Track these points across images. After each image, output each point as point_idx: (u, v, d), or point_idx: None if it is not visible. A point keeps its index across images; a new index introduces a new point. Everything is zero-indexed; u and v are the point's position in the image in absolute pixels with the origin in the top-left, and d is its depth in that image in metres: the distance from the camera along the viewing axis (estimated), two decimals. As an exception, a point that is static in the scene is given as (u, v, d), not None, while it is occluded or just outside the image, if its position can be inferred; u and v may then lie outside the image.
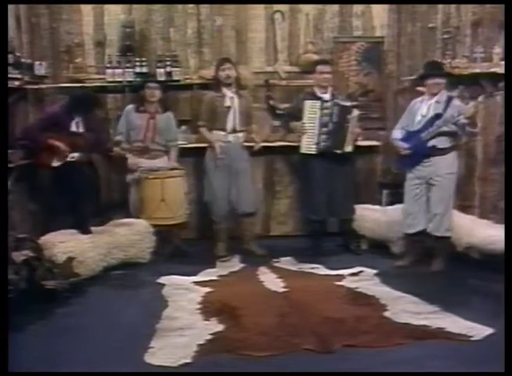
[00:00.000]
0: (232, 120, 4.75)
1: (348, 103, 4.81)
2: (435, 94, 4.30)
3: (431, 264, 4.40)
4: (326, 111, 4.70)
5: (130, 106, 4.92)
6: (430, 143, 4.28)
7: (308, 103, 4.73)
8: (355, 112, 4.75)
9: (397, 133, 4.52)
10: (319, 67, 4.79)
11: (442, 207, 4.32)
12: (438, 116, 4.25)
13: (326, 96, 4.78)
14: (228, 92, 4.75)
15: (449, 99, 4.28)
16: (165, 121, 4.90)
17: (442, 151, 4.29)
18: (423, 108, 4.34)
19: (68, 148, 4.48)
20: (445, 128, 4.24)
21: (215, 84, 4.82)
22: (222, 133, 4.77)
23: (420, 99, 4.45)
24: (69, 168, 4.48)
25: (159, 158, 4.91)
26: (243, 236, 5.02)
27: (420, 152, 4.32)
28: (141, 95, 4.86)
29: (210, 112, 4.79)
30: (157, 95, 4.83)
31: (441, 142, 4.29)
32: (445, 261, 4.39)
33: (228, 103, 4.73)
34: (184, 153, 5.13)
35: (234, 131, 4.77)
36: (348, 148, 4.75)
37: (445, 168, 4.30)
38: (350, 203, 4.96)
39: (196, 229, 5.44)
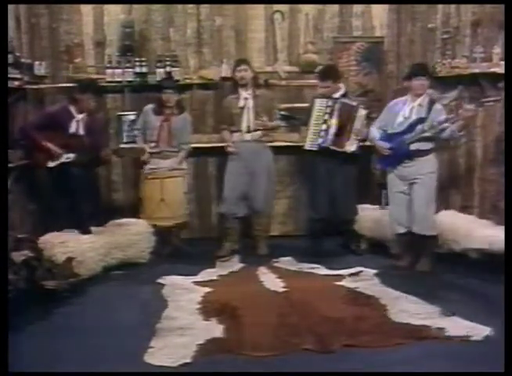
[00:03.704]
0: (246, 120, 4.77)
1: (355, 103, 4.76)
2: (419, 95, 4.31)
3: (418, 264, 4.40)
4: (329, 109, 4.71)
5: (149, 106, 4.91)
6: (413, 146, 4.29)
7: (317, 101, 4.76)
8: (362, 111, 4.71)
9: (375, 132, 4.52)
10: (319, 82, 4.78)
11: (425, 207, 4.32)
12: (421, 120, 4.26)
13: (336, 95, 4.77)
14: (244, 93, 4.77)
15: (431, 103, 4.30)
16: (181, 123, 4.90)
17: (424, 152, 4.30)
18: (405, 110, 4.35)
19: (62, 149, 4.48)
20: (427, 133, 4.24)
21: (232, 85, 4.88)
22: (238, 134, 4.80)
23: (401, 99, 4.44)
24: (65, 168, 4.47)
25: (171, 159, 4.88)
26: (255, 235, 5.02)
27: (402, 153, 4.32)
28: (159, 97, 4.85)
29: (228, 114, 4.84)
30: (173, 99, 4.84)
31: (424, 146, 4.30)
32: (432, 261, 4.38)
33: (241, 103, 4.76)
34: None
35: (249, 130, 4.78)
36: (351, 147, 4.71)
37: (426, 167, 4.31)
38: (352, 203, 4.96)
39: (196, 229, 5.45)
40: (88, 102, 4.60)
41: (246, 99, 4.77)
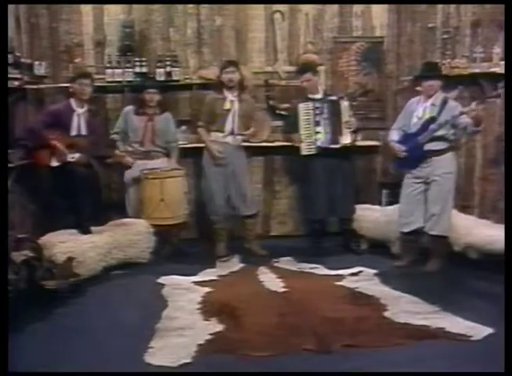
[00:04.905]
0: (230, 122, 4.77)
1: (335, 97, 4.85)
2: (431, 95, 4.31)
3: (427, 264, 4.41)
4: (318, 110, 4.77)
5: (129, 108, 4.94)
6: (427, 147, 4.29)
7: (301, 107, 4.81)
8: (344, 103, 4.80)
9: (394, 134, 4.54)
10: (300, 78, 4.87)
11: (439, 207, 4.32)
12: (432, 119, 4.26)
13: (318, 96, 4.84)
14: (230, 95, 4.76)
15: (444, 101, 4.29)
16: (164, 122, 4.93)
17: (439, 152, 4.30)
18: (419, 110, 4.36)
19: (67, 149, 4.49)
20: (440, 132, 4.24)
21: (218, 85, 4.84)
22: (220, 134, 4.78)
23: (416, 99, 4.46)
24: (68, 168, 4.48)
25: (158, 159, 4.92)
26: (245, 237, 5.02)
27: (417, 155, 4.33)
28: (140, 97, 4.88)
29: (210, 113, 4.81)
30: (156, 99, 4.87)
31: (437, 146, 4.29)
32: (441, 261, 4.38)
33: (228, 105, 4.75)
34: (184, 153, 5.14)
35: (232, 133, 4.78)
36: (346, 140, 4.76)
37: (442, 167, 4.31)
38: (350, 202, 4.97)
39: (196, 229, 5.45)
40: (83, 88, 4.60)
41: (232, 101, 4.76)
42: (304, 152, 4.80)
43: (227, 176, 4.81)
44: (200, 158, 4.96)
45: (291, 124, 4.91)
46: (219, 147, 4.77)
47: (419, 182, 4.40)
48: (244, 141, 4.93)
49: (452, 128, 4.24)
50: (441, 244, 4.39)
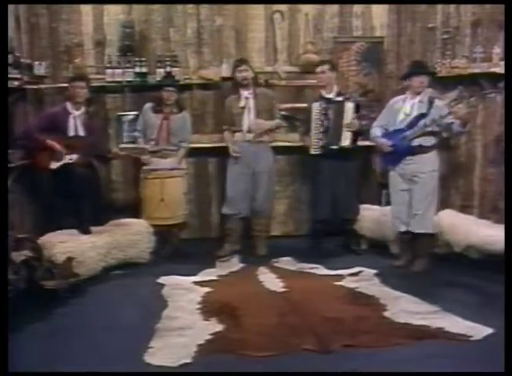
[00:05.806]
0: (247, 120, 4.77)
1: (341, 98, 4.80)
2: (418, 93, 4.33)
3: (414, 264, 4.41)
4: (324, 111, 4.76)
5: (148, 105, 4.93)
6: (415, 142, 4.31)
7: (313, 106, 4.80)
8: (350, 104, 4.76)
9: (377, 131, 4.56)
10: (317, 69, 4.84)
11: (424, 205, 4.34)
12: (422, 115, 4.29)
13: (331, 96, 4.81)
14: (245, 93, 4.77)
15: (431, 100, 4.33)
16: (180, 121, 4.90)
17: (425, 149, 4.33)
18: (407, 107, 4.38)
19: (64, 149, 4.48)
20: (430, 128, 4.27)
21: (233, 85, 4.87)
22: (240, 134, 4.80)
23: (401, 97, 4.48)
24: (68, 169, 4.48)
25: (170, 158, 4.88)
26: (253, 235, 5.01)
27: (404, 150, 4.35)
28: (158, 95, 4.86)
29: (229, 114, 4.84)
30: (174, 97, 4.85)
31: (426, 141, 4.32)
32: (427, 260, 4.39)
33: (242, 103, 4.76)
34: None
35: (250, 130, 4.78)
36: (345, 142, 4.73)
37: (428, 165, 4.34)
38: (354, 203, 4.97)
39: (196, 229, 5.45)
40: (78, 91, 4.58)
41: (247, 98, 4.78)
42: (311, 151, 4.80)
43: (248, 175, 4.80)
44: (201, 158, 4.96)
45: (305, 123, 4.88)
46: (236, 147, 4.78)
47: (404, 181, 4.42)
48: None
49: (438, 127, 4.28)
50: (427, 242, 4.41)
